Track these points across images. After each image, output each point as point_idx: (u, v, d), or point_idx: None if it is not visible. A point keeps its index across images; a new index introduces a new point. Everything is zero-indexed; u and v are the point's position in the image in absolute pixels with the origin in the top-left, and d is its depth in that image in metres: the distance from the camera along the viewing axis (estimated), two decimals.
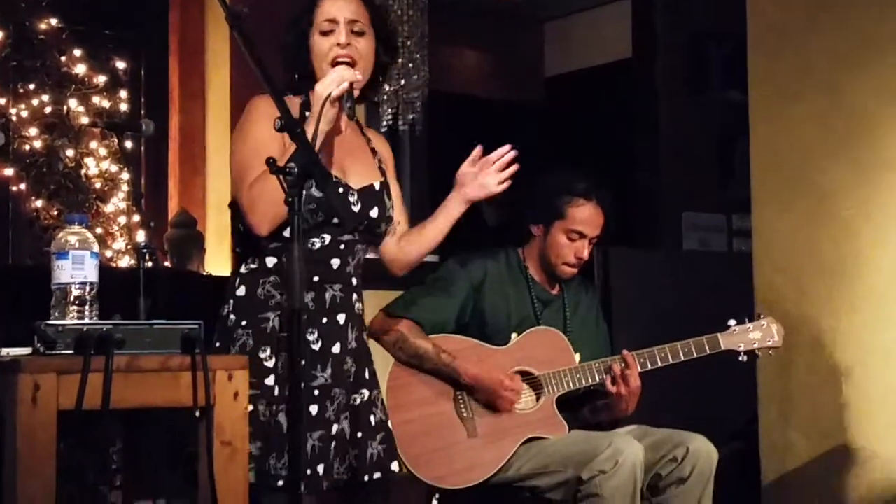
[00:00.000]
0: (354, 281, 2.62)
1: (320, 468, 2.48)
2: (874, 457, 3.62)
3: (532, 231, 3.38)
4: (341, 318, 2.58)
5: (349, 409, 2.57)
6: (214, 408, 2.14)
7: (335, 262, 2.56)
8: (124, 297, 2.37)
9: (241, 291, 2.56)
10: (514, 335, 3.28)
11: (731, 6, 4.32)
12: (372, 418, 2.62)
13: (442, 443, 3.15)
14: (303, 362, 2.34)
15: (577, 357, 3.29)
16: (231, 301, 2.57)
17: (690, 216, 6.54)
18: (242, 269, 2.58)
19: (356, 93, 2.54)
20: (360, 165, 2.65)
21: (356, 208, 2.58)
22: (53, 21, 5.76)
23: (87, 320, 2.11)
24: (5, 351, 2.10)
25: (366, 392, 2.62)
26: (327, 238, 2.55)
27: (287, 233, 2.44)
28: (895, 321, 3.59)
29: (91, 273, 2.15)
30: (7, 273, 5.10)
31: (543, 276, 3.39)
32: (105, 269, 2.22)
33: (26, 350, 2.08)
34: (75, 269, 2.13)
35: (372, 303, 4.17)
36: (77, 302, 2.13)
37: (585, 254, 3.33)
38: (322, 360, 2.54)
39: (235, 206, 2.57)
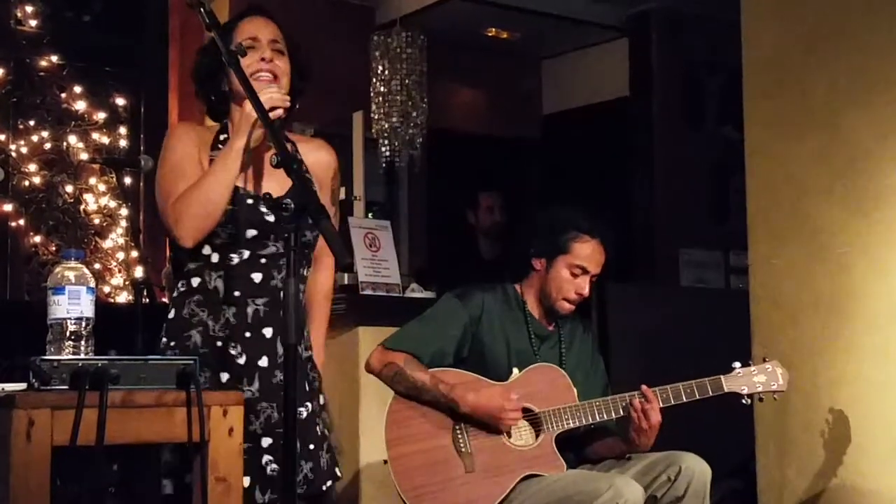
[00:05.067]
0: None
1: (246, 480, 2.47)
2: (872, 494, 3.60)
3: (534, 265, 3.38)
4: (267, 331, 2.61)
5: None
6: (209, 443, 2.14)
7: (256, 277, 2.60)
8: (121, 333, 2.38)
9: (172, 314, 2.64)
10: (515, 370, 3.28)
11: (726, 37, 4.35)
12: (318, 429, 2.68)
13: (440, 477, 3.14)
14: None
15: (576, 394, 3.28)
16: (165, 325, 2.65)
17: (687, 252, 6.56)
18: (175, 294, 2.65)
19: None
20: (281, 176, 2.46)
21: (270, 218, 2.59)
22: (54, 58, 5.81)
23: (82, 356, 2.11)
24: (0, 386, 2.09)
25: (309, 405, 2.65)
26: (246, 253, 2.60)
27: (206, 249, 2.57)
28: (892, 356, 3.58)
29: (87, 308, 2.15)
30: (4, 308, 5.12)
31: (541, 311, 3.39)
32: (102, 305, 2.22)
33: (21, 385, 2.08)
34: (71, 305, 2.13)
35: (368, 339, 4.19)
36: (73, 337, 2.12)
37: (586, 290, 3.34)
38: (248, 374, 2.58)
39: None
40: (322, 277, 2.88)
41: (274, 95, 2.49)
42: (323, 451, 2.67)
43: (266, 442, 2.56)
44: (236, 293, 2.59)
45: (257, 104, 2.33)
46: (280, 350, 2.60)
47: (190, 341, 2.58)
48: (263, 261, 2.60)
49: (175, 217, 2.53)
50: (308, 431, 2.63)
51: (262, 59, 2.64)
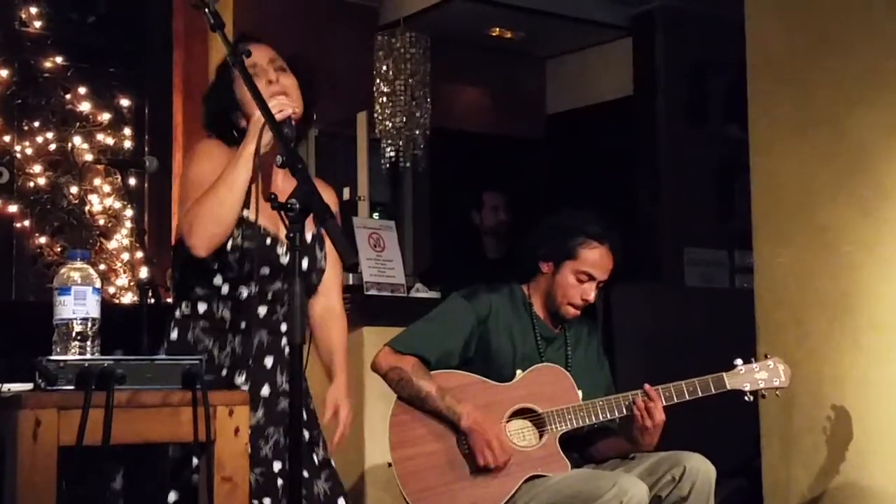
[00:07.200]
0: (284, 327, 2.66)
1: (266, 501, 2.51)
2: (877, 493, 3.60)
3: (541, 268, 3.37)
4: (268, 361, 2.64)
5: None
6: (215, 443, 2.14)
7: (262, 311, 2.63)
8: (126, 333, 2.38)
9: (174, 335, 2.63)
10: (518, 371, 3.27)
11: (731, 37, 4.35)
12: (315, 457, 2.67)
13: (444, 479, 3.14)
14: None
15: (580, 394, 3.28)
16: (165, 344, 2.64)
17: (692, 252, 6.55)
18: (177, 314, 2.65)
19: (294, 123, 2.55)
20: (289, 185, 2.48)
21: (284, 260, 2.61)
22: (58, 59, 5.81)
23: (88, 356, 2.12)
24: (6, 386, 2.10)
25: (306, 433, 2.64)
26: (255, 288, 2.62)
27: (217, 280, 2.58)
28: None
29: (93, 309, 2.15)
30: (9, 309, 5.12)
31: (546, 313, 3.39)
32: (107, 305, 2.22)
33: (28, 385, 2.08)
34: (77, 305, 2.14)
35: (373, 339, 4.18)
36: (79, 337, 2.13)
37: (592, 297, 3.33)
38: (253, 402, 2.55)
39: (176, 248, 2.63)
40: (335, 299, 2.88)
41: (283, 101, 2.52)
42: (319, 480, 2.65)
43: (277, 466, 2.57)
44: (242, 324, 2.61)
45: (264, 108, 2.33)
46: (279, 380, 2.64)
47: None
48: (270, 296, 2.63)
49: (187, 228, 2.50)
50: (302, 458, 2.61)
51: (270, 82, 2.65)
